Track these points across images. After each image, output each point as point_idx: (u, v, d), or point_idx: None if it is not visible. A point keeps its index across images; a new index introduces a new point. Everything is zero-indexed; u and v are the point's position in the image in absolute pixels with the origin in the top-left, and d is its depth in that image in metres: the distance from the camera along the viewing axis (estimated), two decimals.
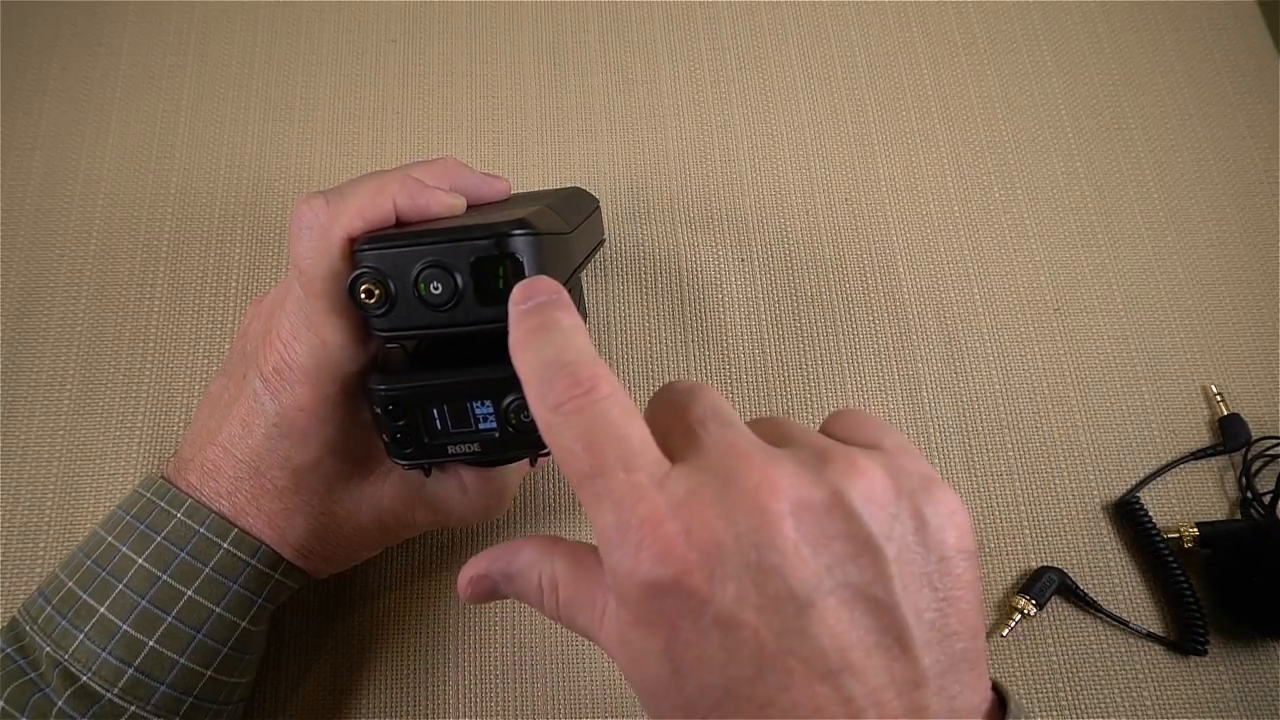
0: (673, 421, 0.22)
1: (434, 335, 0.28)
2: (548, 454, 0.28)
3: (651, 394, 0.24)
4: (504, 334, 0.27)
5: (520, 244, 0.25)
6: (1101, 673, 0.37)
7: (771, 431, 0.22)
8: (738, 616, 0.18)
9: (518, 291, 0.23)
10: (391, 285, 0.26)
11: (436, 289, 0.26)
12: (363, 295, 0.26)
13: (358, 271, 0.26)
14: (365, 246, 0.26)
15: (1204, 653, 0.37)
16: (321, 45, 0.48)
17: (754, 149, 0.46)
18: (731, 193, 0.45)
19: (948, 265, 0.44)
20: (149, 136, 0.45)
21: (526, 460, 0.32)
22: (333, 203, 0.27)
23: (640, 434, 0.20)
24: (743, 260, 0.44)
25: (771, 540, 0.18)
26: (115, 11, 0.48)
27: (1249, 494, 0.40)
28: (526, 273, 0.25)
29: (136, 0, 0.48)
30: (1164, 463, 0.40)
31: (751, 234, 0.44)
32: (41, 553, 0.37)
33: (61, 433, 0.39)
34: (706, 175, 0.46)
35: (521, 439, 0.27)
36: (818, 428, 0.23)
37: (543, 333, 0.22)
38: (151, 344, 0.41)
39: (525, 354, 0.21)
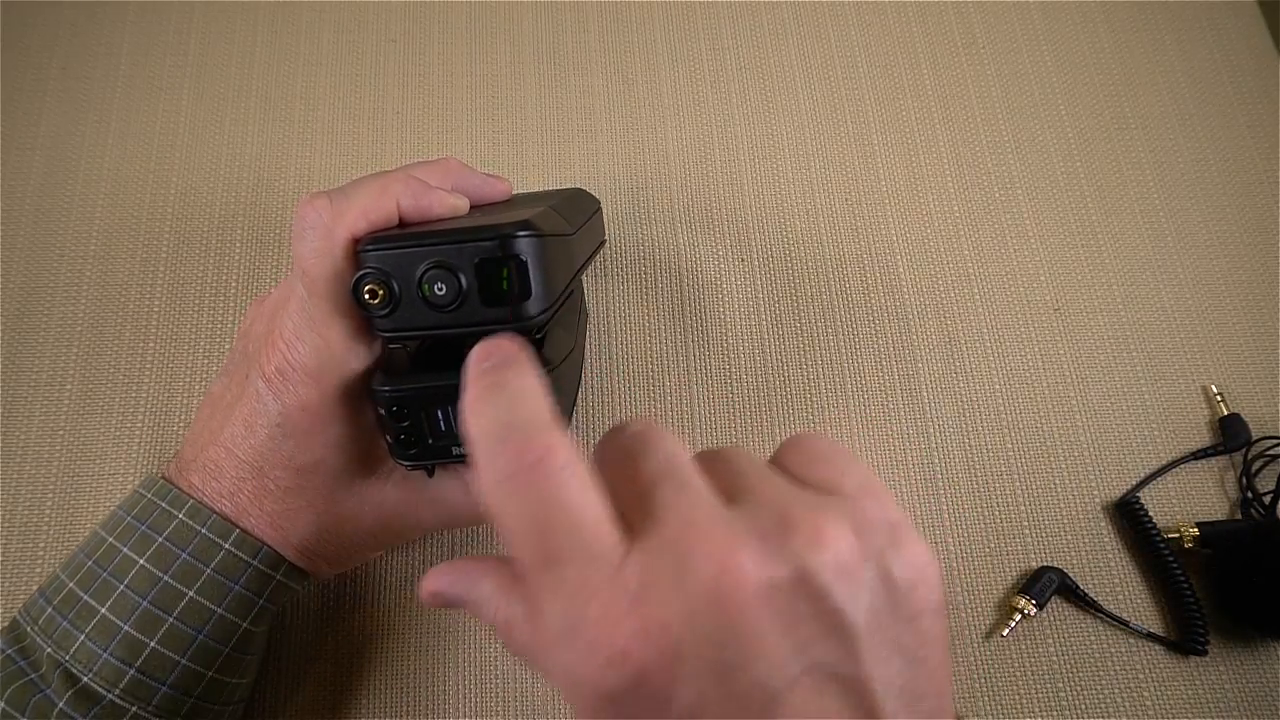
0: (624, 481, 0.20)
1: (437, 336, 0.28)
2: None
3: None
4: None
5: (524, 245, 0.25)
6: (1101, 673, 0.37)
7: (726, 476, 0.20)
8: (702, 717, 0.17)
9: (476, 351, 0.21)
10: (395, 286, 0.26)
11: (440, 290, 0.26)
12: (366, 295, 0.26)
13: (361, 272, 0.26)
14: (369, 247, 0.26)
15: (1204, 653, 0.37)
16: (321, 45, 0.48)
17: (754, 149, 0.46)
18: (731, 193, 0.45)
19: (948, 265, 0.44)
20: (149, 136, 0.45)
21: None
22: (336, 203, 0.27)
23: (594, 511, 0.19)
24: (743, 260, 0.44)
25: (735, 634, 0.17)
26: (115, 11, 0.48)
27: (1249, 494, 0.40)
28: (530, 274, 0.25)
29: (136, 0, 0.48)
30: (1164, 463, 0.40)
31: (751, 234, 0.44)
32: (41, 553, 0.37)
33: (61, 433, 0.39)
34: (706, 175, 0.46)
35: None
36: (777, 449, 0.22)
37: (493, 393, 0.20)
38: (151, 344, 0.41)
39: (473, 418, 0.20)
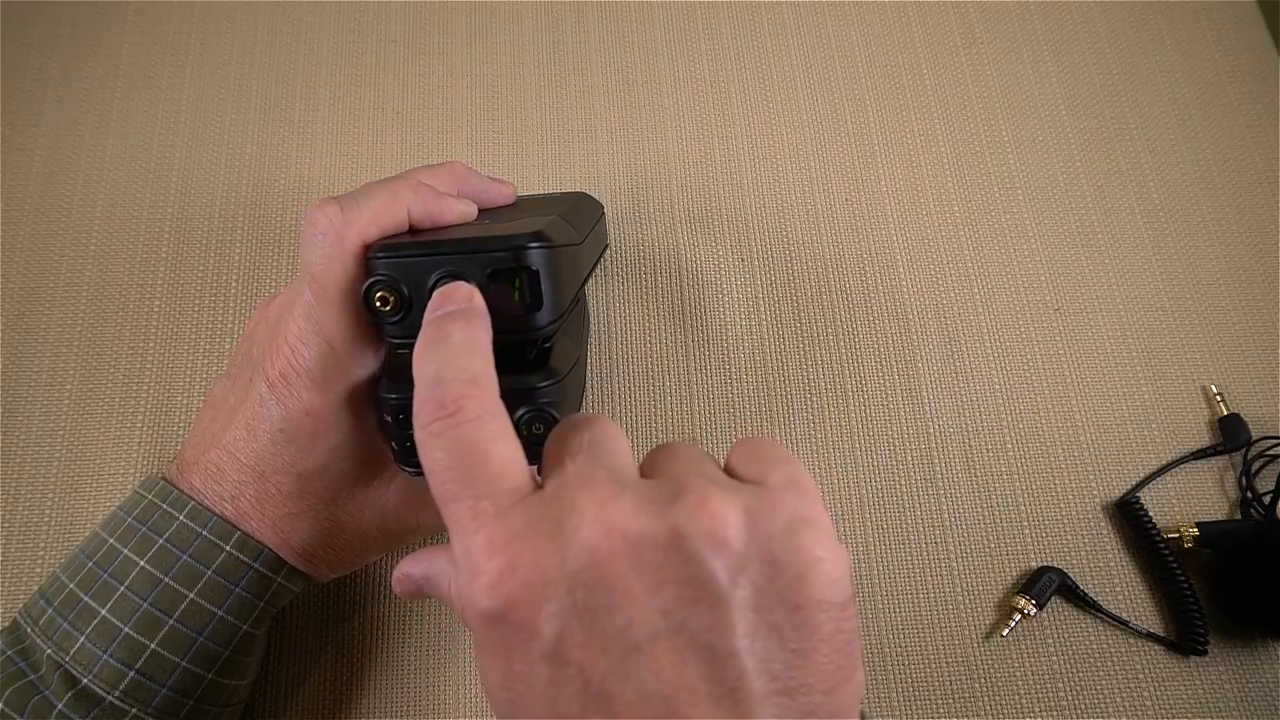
0: (552, 449, 0.22)
1: None
2: None
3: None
4: (516, 345, 0.27)
5: (536, 256, 0.25)
6: (1101, 673, 0.37)
7: (658, 461, 0.21)
8: (564, 653, 0.18)
9: (435, 298, 0.23)
10: (406, 293, 0.26)
11: None
12: (377, 302, 0.26)
13: (373, 279, 0.26)
14: (380, 254, 0.26)
15: (1204, 653, 0.37)
16: (321, 46, 0.48)
17: (754, 149, 0.46)
18: (731, 193, 0.45)
19: (948, 265, 0.44)
20: (149, 136, 0.45)
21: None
22: (347, 209, 0.27)
23: (502, 458, 0.20)
24: (743, 260, 0.44)
25: (602, 581, 0.18)
26: (115, 11, 0.48)
27: (1249, 494, 0.40)
28: (541, 284, 0.26)
29: (136, 0, 0.48)
30: (1164, 463, 0.40)
31: (751, 234, 0.44)
32: (41, 553, 0.37)
33: (61, 433, 0.39)
34: (706, 175, 0.46)
35: (534, 451, 0.27)
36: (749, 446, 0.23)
37: (432, 347, 0.22)
38: (151, 344, 0.41)
39: (416, 369, 0.22)
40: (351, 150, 0.45)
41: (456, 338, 0.22)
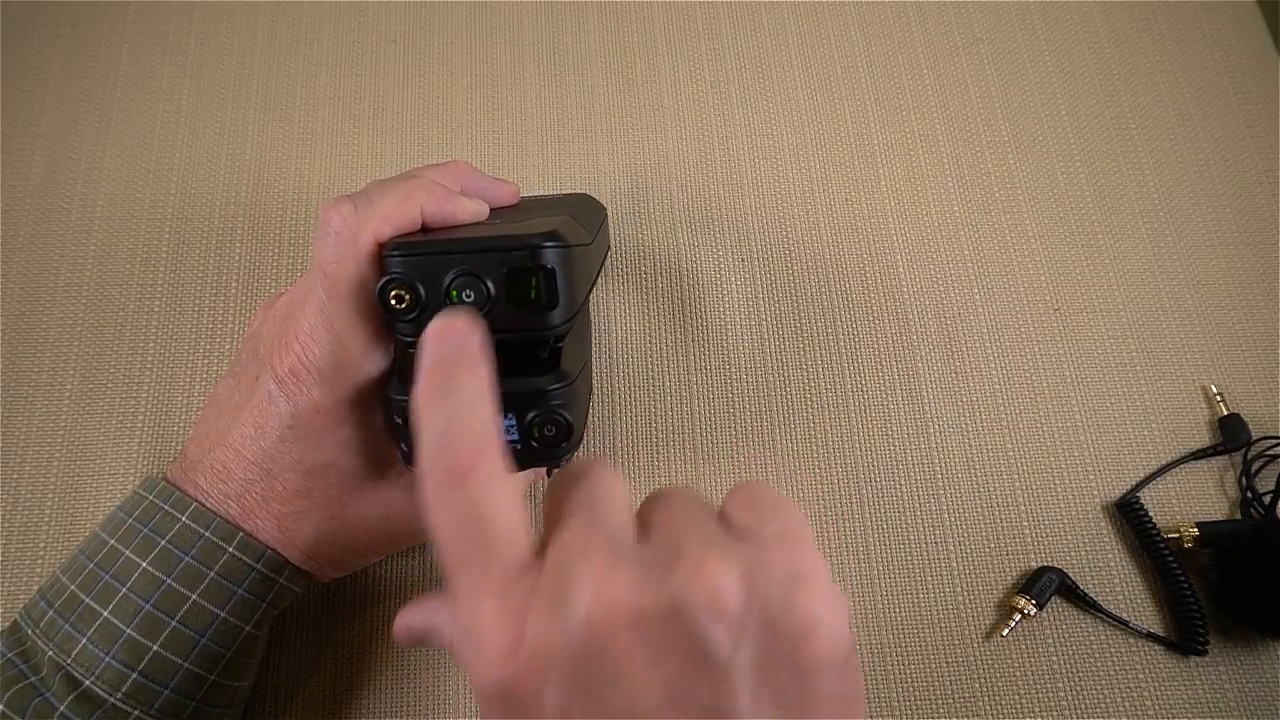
0: (551, 504, 0.22)
1: None
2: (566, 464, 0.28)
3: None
4: (529, 345, 0.27)
5: (552, 256, 0.26)
6: (1101, 673, 0.37)
7: (654, 513, 0.21)
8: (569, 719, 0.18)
9: (432, 328, 0.22)
10: (422, 291, 0.26)
11: (468, 297, 0.26)
12: (392, 300, 0.26)
13: (388, 277, 0.26)
14: (395, 253, 0.26)
15: (1204, 653, 0.37)
16: (321, 45, 0.48)
17: (754, 149, 0.46)
18: (731, 193, 0.45)
19: (948, 265, 0.44)
20: (149, 136, 0.45)
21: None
22: (361, 208, 0.27)
23: (509, 524, 0.20)
24: (743, 260, 0.44)
25: (602, 652, 0.18)
26: (115, 11, 0.48)
27: (1249, 494, 0.40)
28: (557, 283, 0.26)
29: (136, 0, 0.48)
30: (1164, 463, 0.40)
31: (751, 234, 0.44)
32: (41, 553, 0.37)
33: (61, 433, 0.39)
34: (706, 176, 0.46)
35: (543, 452, 0.27)
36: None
37: (440, 398, 0.21)
38: (151, 344, 0.41)
39: (423, 417, 0.21)
40: (351, 150, 0.45)
41: (468, 388, 0.21)
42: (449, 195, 0.29)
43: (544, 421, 0.27)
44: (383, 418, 0.30)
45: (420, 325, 0.26)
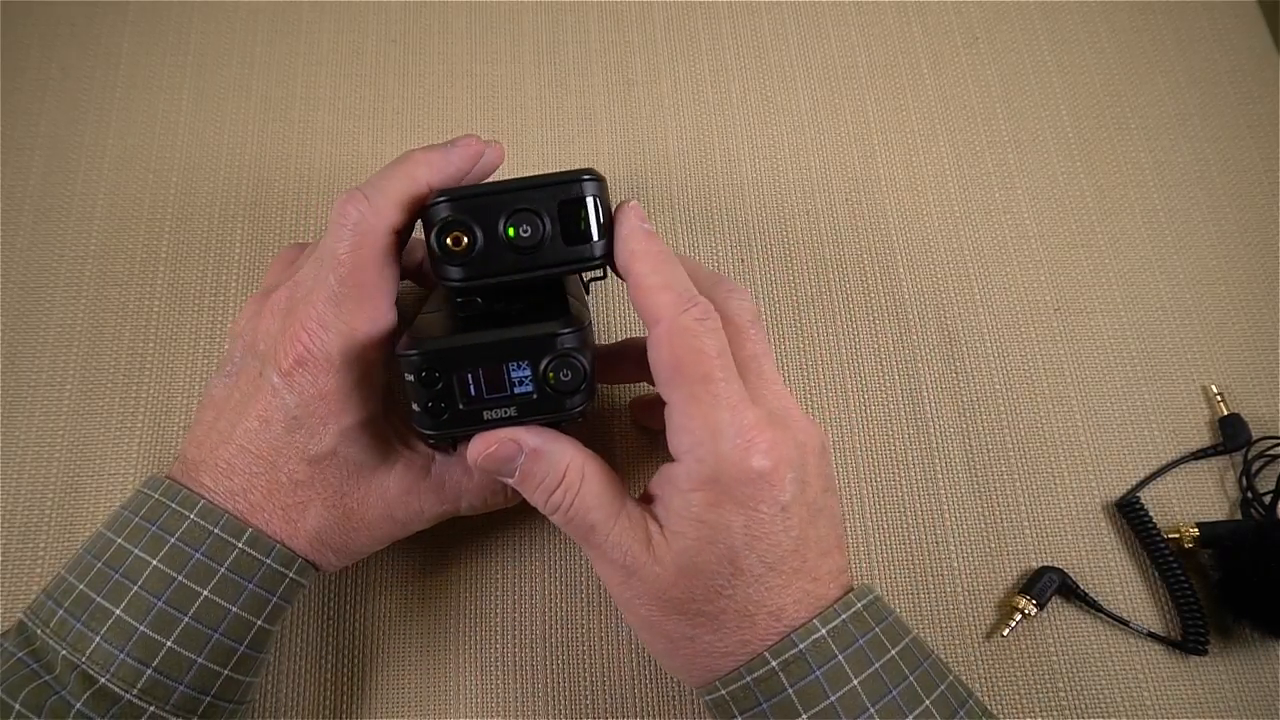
0: (731, 341, 0.28)
1: (510, 284, 0.29)
2: (579, 418, 0.29)
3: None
4: (548, 291, 0.30)
5: (596, 188, 0.28)
6: (1101, 673, 0.37)
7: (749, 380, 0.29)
8: (790, 507, 0.27)
9: (631, 210, 0.28)
10: (478, 232, 0.27)
11: (526, 231, 0.27)
12: (450, 242, 0.27)
13: (446, 217, 0.27)
14: (443, 198, 0.28)
15: (1204, 653, 0.37)
16: (321, 45, 0.48)
17: (754, 149, 0.46)
18: (731, 192, 0.45)
19: (948, 265, 0.44)
20: (149, 136, 0.45)
21: None
22: (373, 197, 0.29)
23: (728, 358, 0.27)
24: (743, 260, 0.44)
25: (806, 467, 0.28)
26: (115, 11, 0.48)
27: (1249, 494, 0.40)
28: (602, 215, 0.28)
29: (136, 0, 0.48)
30: (1164, 463, 0.40)
31: (751, 234, 0.44)
32: (41, 553, 0.37)
33: (61, 433, 0.39)
34: (706, 175, 0.46)
35: (560, 399, 0.27)
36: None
37: (672, 263, 0.28)
38: (151, 344, 0.41)
39: (660, 275, 0.27)
40: (351, 150, 0.45)
41: (677, 259, 0.28)
42: (444, 156, 0.31)
43: (559, 367, 0.27)
44: (381, 415, 0.31)
45: (473, 268, 0.28)
